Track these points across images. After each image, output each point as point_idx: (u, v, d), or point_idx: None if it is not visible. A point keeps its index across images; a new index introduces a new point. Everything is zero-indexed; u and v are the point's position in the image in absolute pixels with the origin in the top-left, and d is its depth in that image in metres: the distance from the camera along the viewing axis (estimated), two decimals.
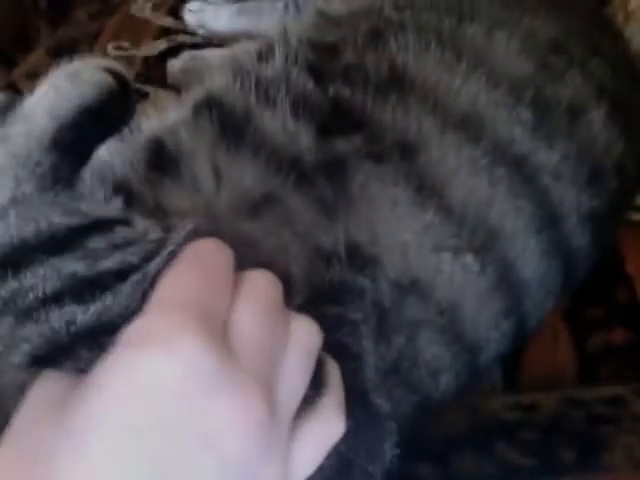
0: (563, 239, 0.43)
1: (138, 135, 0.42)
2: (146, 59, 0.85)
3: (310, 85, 0.42)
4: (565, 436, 0.42)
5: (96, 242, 0.28)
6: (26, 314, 0.26)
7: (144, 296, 0.26)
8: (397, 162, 0.39)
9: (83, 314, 0.26)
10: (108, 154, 0.41)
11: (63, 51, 0.88)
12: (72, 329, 0.26)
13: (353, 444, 0.33)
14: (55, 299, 0.26)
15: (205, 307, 0.26)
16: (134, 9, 1.02)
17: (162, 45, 0.88)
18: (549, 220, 0.42)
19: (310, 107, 0.41)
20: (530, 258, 0.42)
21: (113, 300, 0.26)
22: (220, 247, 0.29)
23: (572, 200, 0.44)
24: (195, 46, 0.84)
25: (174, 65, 0.79)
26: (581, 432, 0.42)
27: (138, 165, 0.40)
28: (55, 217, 0.28)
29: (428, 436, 0.42)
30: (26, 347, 0.26)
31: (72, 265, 0.27)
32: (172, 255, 0.28)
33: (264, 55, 0.45)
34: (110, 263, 0.27)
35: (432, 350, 0.38)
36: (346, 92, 0.42)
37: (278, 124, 0.40)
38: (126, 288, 0.27)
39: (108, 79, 0.33)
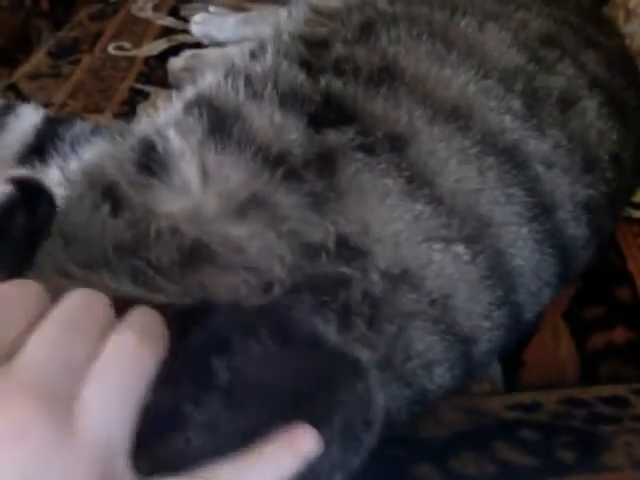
0: (557, 228, 0.43)
1: (129, 137, 0.42)
2: (147, 59, 0.85)
3: (300, 78, 0.42)
4: (566, 436, 0.42)
5: None
6: None
7: None
8: (388, 153, 0.40)
9: None
10: (99, 156, 0.41)
11: (64, 52, 0.89)
12: None
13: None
14: None
15: None
16: (135, 9, 1.03)
17: (163, 45, 0.89)
18: (541, 209, 0.42)
19: (300, 100, 0.41)
20: (522, 247, 0.42)
21: None
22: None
23: (565, 189, 0.44)
24: (196, 46, 0.84)
25: (175, 63, 0.79)
26: (582, 432, 0.42)
27: (128, 167, 0.40)
28: None
29: (428, 436, 0.42)
30: None
31: None
32: None
33: (256, 53, 0.46)
34: None
35: (425, 341, 0.38)
36: (337, 84, 0.42)
37: (266, 118, 0.40)
38: None
39: (9, 191, 0.35)
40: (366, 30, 0.45)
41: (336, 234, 0.37)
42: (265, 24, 0.73)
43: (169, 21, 0.97)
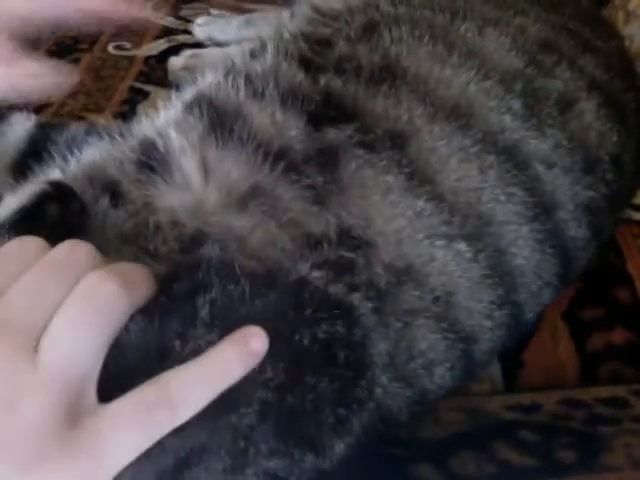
0: (557, 229, 0.44)
1: (129, 137, 0.42)
2: (147, 59, 0.85)
3: (300, 76, 0.43)
4: (565, 436, 0.42)
5: None
6: None
7: None
8: (388, 150, 0.40)
9: None
10: (99, 156, 0.42)
11: (64, 51, 0.89)
12: None
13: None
14: None
15: None
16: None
17: (163, 45, 0.89)
18: (542, 208, 0.43)
19: (300, 98, 0.41)
20: (523, 246, 0.42)
21: None
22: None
23: (566, 189, 0.44)
24: (196, 46, 0.84)
25: (175, 63, 0.79)
26: (581, 432, 0.42)
27: (128, 167, 0.40)
28: None
29: (428, 436, 0.42)
30: None
31: None
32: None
33: (257, 52, 0.46)
34: None
35: (428, 340, 0.39)
36: (337, 83, 0.42)
37: (267, 117, 0.41)
38: None
39: (43, 186, 0.38)
40: (369, 30, 0.46)
41: (338, 225, 0.37)
42: (268, 25, 0.73)
43: (169, 21, 0.97)
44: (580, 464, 0.40)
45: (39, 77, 0.40)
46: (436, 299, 0.39)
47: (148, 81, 0.80)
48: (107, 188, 0.39)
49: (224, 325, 0.33)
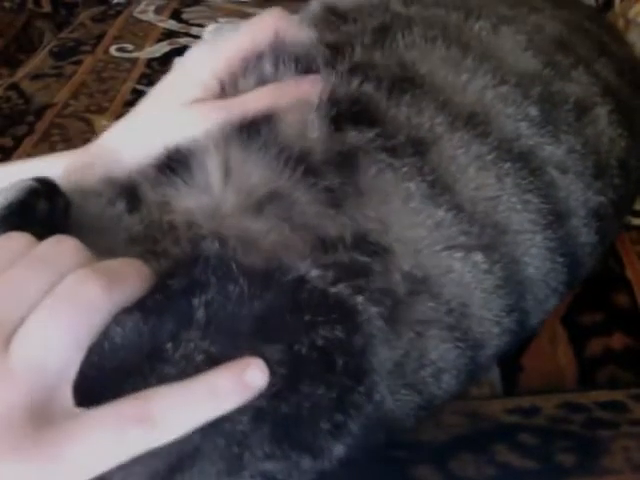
0: (569, 236, 0.43)
1: None
2: (149, 61, 0.86)
3: (330, 78, 0.42)
4: (564, 440, 0.42)
5: None
6: None
7: None
8: (411, 157, 0.39)
9: None
10: None
11: (67, 53, 0.89)
12: None
13: None
14: None
15: None
16: (137, 12, 1.03)
17: (165, 48, 0.89)
18: (556, 216, 0.42)
19: (327, 99, 0.41)
20: (535, 255, 0.41)
21: None
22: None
23: (579, 195, 0.44)
24: None
25: None
26: (580, 436, 0.42)
27: (149, 169, 0.41)
28: None
29: (428, 438, 0.42)
30: None
31: None
32: None
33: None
34: None
35: (439, 350, 0.38)
36: (363, 89, 0.42)
37: (294, 117, 0.40)
38: None
39: (30, 182, 0.38)
40: (382, 35, 0.45)
41: (354, 229, 0.37)
42: None
43: (171, 24, 0.98)
44: (579, 467, 0.40)
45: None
46: (450, 310, 0.38)
47: (150, 83, 0.80)
48: (125, 191, 0.40)
49: (219, 330, 0.32)
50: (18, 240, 0.33)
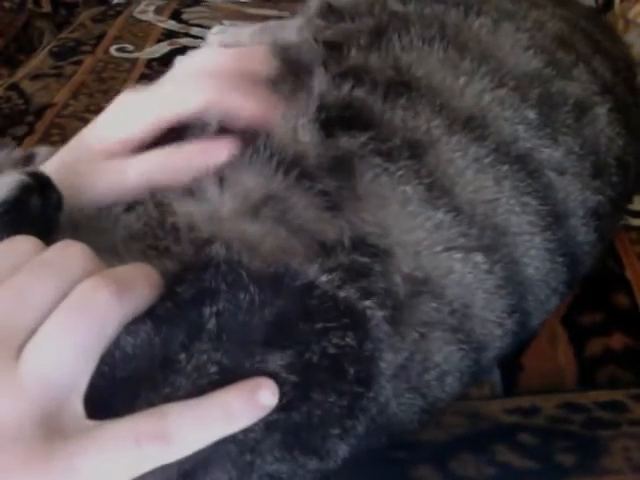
0: (568, 237, 0.43)
1: None
2: (149, 61, 0.86)
3: (320, 82, 0.42)
4: (564, 440, 0.42)
5: None
6: None
7: None
8: (407, 160, 0.39)
9: None
10: None
11: (66, 53, 0.89)
12: None
13: None
14: None
15: None
16: (137, 12, 1.03)
17: (165, 48, 0.89)
18: (554, 217, 0.42)
19: (318, 104, 0.41)
20: (535, 256, 0.42)
21: None
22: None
23: (577, 195, 0.44)
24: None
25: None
26: (580, 436, 0.42)
27: None
28: None
29: (428, 438, 0.42)
30: None
31: None
32: None
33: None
34: None
35: (443, 352, 0.38)
36: (355, 93, 0.42)
37: (285, 123, 0.40)
38: None
39: (22, 177, 0.37)
40: (378, 36, 0.45)
41: (352, 232, 0.37)
42: (284, 29, 0.73)
43: (171, 24, 0.98)
44: (579, 467, 0.40)
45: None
46: (453, 311, 0.38)
47: (150, 84, 0.80)
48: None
49: (231, 340, 0.32)
50: (24, 244, 0.32)
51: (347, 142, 0.39)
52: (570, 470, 0.40)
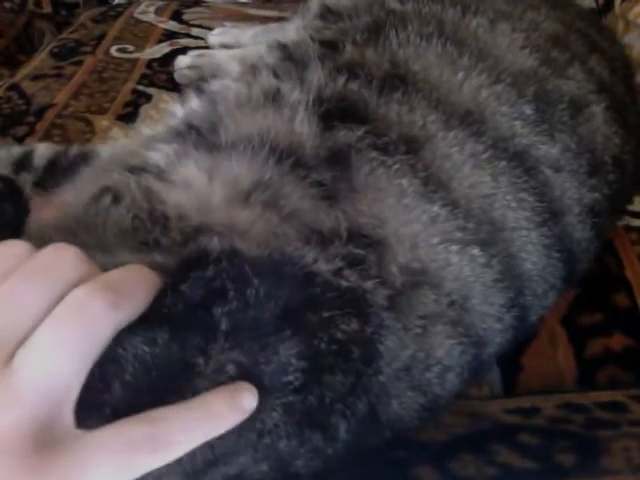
0: (565, 233, 0.44)
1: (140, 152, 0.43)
2: (150, 62, 0.86)
3: (317, 77, 0.43)
4: (564, 440, 0.42)
5: None
6: None
7: None
8: (403, 154, 0.40)
9: None
10: (107, 162, 0.42)
11: (67, 53, 0.89)
12: None
13: None
14: None
15: None
16: (138, 13, 1.03)
17: (165, 48, 0.89)
18: (551, 213, 0.43)
19: (314, 97, 0.41)
20: (532, 251, 0.42)
21: None
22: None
23: (573, 192, 0.44)
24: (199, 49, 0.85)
25: (182, 61, 0.79)
26: (580, 436, 0.42)
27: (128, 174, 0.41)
28: None
29: (428, 439, 0.42)
30: None
31: None
32: None
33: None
34: None
35: (445, 346, 0.39)
36: (349, 87, 0.42)
37: (280, 115, 0.41)
38: None
39: None
40: (375, 32, 0.45)
41: (349, 222, 0.37)
42: (285, 30, 0.73)
43: (171, 25, 0.98)
44: (579, 467, 0.40)
45: None
46: (452, 303, 0.39)
47: (151, 84, 0.80)
48: (108, 188, 0.40)
49: (244, 337, 0.32)
50: (15, 248, 0.31)
51: (344, 135, 0.40)
52: (570, 470, 0.40)
